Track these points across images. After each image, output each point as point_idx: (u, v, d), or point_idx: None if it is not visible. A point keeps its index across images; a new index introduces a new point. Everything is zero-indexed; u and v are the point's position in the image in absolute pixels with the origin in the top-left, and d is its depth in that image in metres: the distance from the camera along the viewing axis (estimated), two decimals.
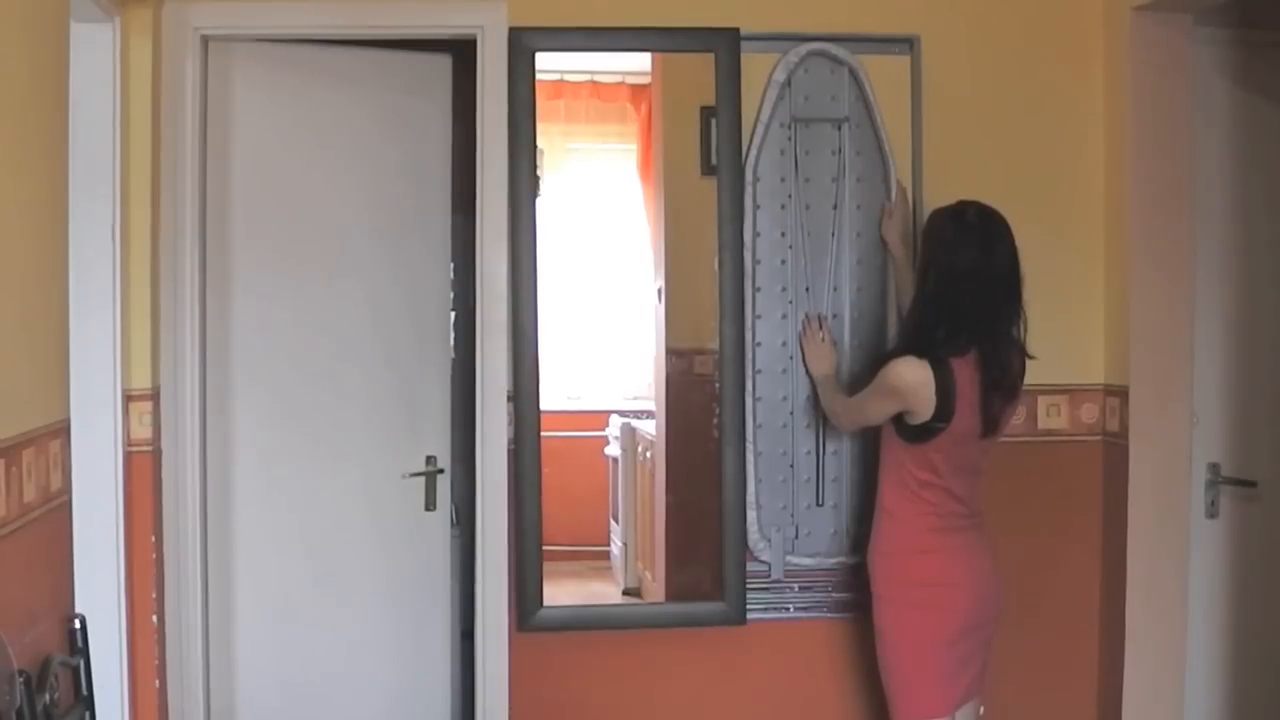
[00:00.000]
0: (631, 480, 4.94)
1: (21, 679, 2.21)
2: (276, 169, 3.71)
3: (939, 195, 3.38)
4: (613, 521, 5.07)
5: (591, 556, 4.98)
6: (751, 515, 3.59)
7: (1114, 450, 3.59)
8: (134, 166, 3.26)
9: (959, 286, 3.05)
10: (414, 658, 3.89)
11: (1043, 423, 3.67)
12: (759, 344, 3.60)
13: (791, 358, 3.61)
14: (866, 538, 3.30)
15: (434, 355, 3.94)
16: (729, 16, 3.56)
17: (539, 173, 3.66)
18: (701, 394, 3.79)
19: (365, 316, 3.81)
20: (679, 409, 4.21)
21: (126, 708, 3.19)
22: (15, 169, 2.40)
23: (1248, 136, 3.67)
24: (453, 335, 4.17)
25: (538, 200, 3.58)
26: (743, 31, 3.56)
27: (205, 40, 3.52)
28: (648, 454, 4.73)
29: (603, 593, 4.81)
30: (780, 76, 3.59)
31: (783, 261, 3.61)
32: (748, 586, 3.59)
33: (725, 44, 3.55)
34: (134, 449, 3.28)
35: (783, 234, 3.61)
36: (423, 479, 3.87)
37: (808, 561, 3.63)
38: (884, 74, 3.62)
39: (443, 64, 3.89)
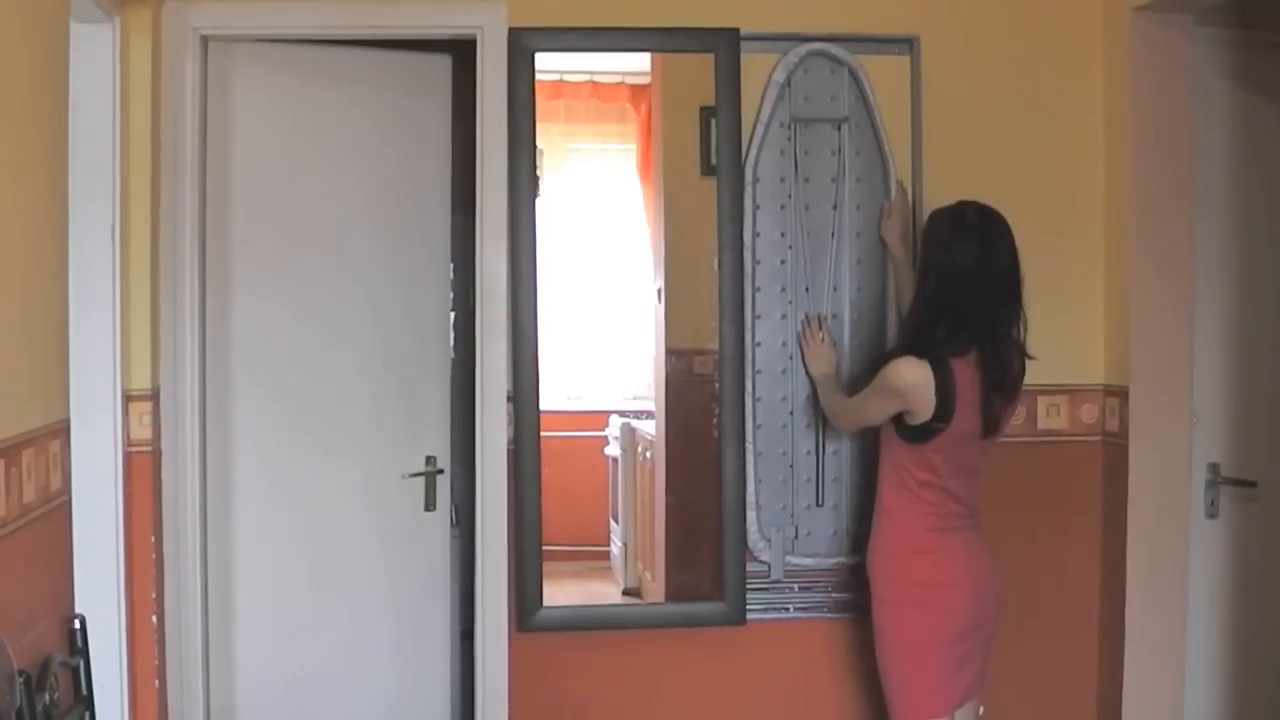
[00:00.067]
0: (631, 480, 4.94)
1: (21, 679, 2.21)
2: (276, 169, 3.71)
3: (939, 195, 3.38)
4: (612, 522, 5.07)
5: (591, 556, 4.98)
6: (751, 515, 3.59)
7: (1114, 450, 3.59)
8: (134, 166, 3.26)
9: (959, 286, 3.05)
10: (414, 658, 3.89)
11: (1043, 423, 3.67)
12: (759, 344, 3.60)
13: (791, 358, 3.61)
14: (866, 538, 3.30)
15: (434, 355, 3.94)
16: (729, 16, 3.56)
17: (539, 173, 3.66)
18: (701, 394, 3.79)
19: (365, 316, 3.81)
20: (679, 409, 4.21)
21: (126, 708, 3.19)
22: (15, 169, 2.40)
23: (1248, 136, 3.67)
24: (453, 335, 4.17)
25: (537, 200, 3.58)
26: (743, 31, 3.56)
27: (205, 40, 3.52)
28: (647, 454, 4.73)
29: (602, 593, 4.80)
30: (780, 76, 3.59)
31: (782, 262, 3.61)
32: (748, 587, 3.59)
33: (725, 44, 3.55)
34: (134, 449, 3.28)
35: (782, 234, 3.61)
36: (422, 479, 3.87)
37: (807, 562, 3.63)
38: (884, 74, 3.62)
39: (443, 64, 3.89)
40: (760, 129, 3.58)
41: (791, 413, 3.62)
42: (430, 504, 3.89)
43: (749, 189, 3.59)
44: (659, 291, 4.25)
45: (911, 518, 3.14)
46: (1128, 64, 3.51)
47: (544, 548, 3.57)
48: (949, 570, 3.13)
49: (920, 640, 3.14)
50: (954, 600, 3.12)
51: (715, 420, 3.62)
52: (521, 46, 3.53)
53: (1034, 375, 3.22)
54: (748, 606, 3.59)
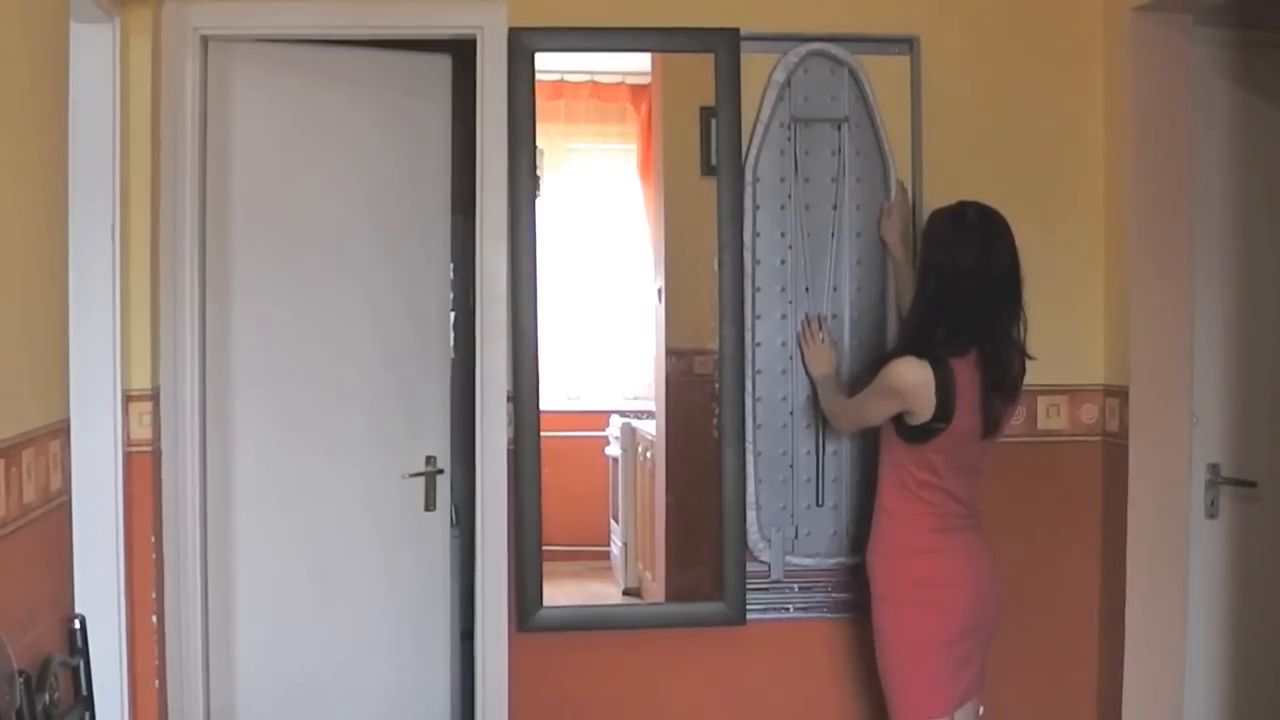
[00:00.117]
0: (631, 480, 4.94)
1: (21, 679, 2.21)
2: (276, 169, 3.71)
3: (939, 195, 3.38)
4: (613, 521, 5.07)
5: (591, 557, 4.98)
6: (751, 515, 3.59)
7: (1114, 450, 3.59)
8: (134, 166, 3.26)
9: (959, 286, 3.05)
10: (414, 658, 3.89)
11: (1042, 423, 3.67)
12: (759, 344, 3.60)
13: (791, 358, 3.61)
14: (866, 538, 3.30)
15: (434, 355, 3.94)
16: (729, 17, 3.56)
17: (539, 173, 3.66)
18: (701, 394, 3.79)
19: (365, 316, 3.81)
20: (679, 409, 4.21)
21: (126, 708, 3.19)
22: (15, 169, 2.40)
23: (1248, 136, 3.67)
24: (453, 335, 4.17)
25: (537, 200, 3.58)
26: (743, 32, 3.56)
27: (205, 40, 3.52)
28: (648, 454, 4.73)
29: (602, 593, 4.80)
30: (780, 77, 3.59)
31: (782, 262, 3.62)
32: (747, 587, 3.59)
33: (725, 44, 3.55)
34: (134, 449, 3.28)
35: (782, 234, 3.61)
36: (422, 479, 3.87)
37: (807, 562, 3.63)
38: (884, 74, 3.62)
39: (442, 64, 3.89)
40: (760, 129, 3.58)
41: (791, 413, 3.62)
42: (430, 504, 3.89)
43: (749, 189, 3.59)
44: (659, 291, 4.25)
45: (911, 518, 3.14)
46: (1128, 64, 3.51)
47: (544, 548, 3.57)
48: (949, 570, 3.13)
49: (920, 640, 3.14)
50: (954, 600, 3.12)
51: (715, 420, 3.62)
52: (521, 46, 3.53)
53: (1034, 375, 3.22)
54: (748, 606, 3.59)
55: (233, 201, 3.63)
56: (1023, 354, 3.13)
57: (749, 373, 3.59)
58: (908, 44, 3.63)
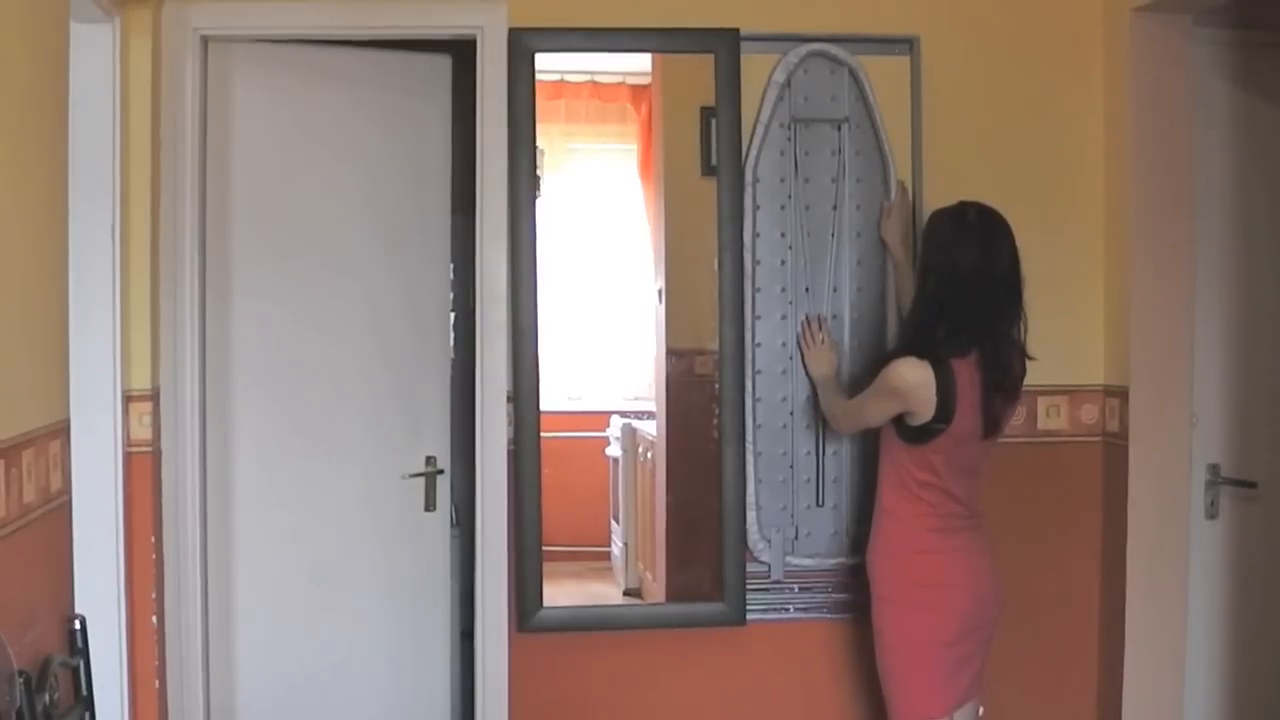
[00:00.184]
0: (632, 481, 4.94)
1: (21, 679, 2.21)
2: (276, 169, 3.71)
3: (939, 195, 3.39)
4: (613, 522, 5.07)
5: (592, 557, 4.98)
6: (751, 516, 3.59)
7: (1114, 451, 3.59)
8: (134, 166, 3.26)
9: (959, 287, 3.05)
10: (414, 658, 3.89)
11: (1043, 423, 3.67)
12: (759, 345, 3.60)
13: (791, 358, 3.61)
14: (866, 538, 3.30)
15: (433, 356, 3.94)
16: (729, 17, 3.56)
17: (539, 173, 3.66)
18: (701, 394, 3.79)
19: (365, 317, 3.81)
20: (679, 409, 4.21)
21: (126, 708, 3.19)
22: (15, 169, 2.40)
23: (1248, 136, 3.67)
24: (452, 335, 4.17)
25: (538, 200, 3.58)
26: (743, 32, 3.56)
27: (205, 40, 3.52)
28: (648, 454, 4.73)
29: (603, 593, 4.80)
30: (780, 77, 3.59)
31: (782, 262, 3.62)
32: (747, 587, 3.59)
33: (725, 44, 3.55)
34: (134, 449, 3.28)
35: (782, 234, 3.61)
36: (422, 479, 3.87)
37: (807, 562, 3.63)
38: (884, 74, 3.62)
39: (442, 64, 3.89)
40: (760, 129, 3.58)
41: (791, 413, 3.62)
42: (430, 504, 3.89)
43: (749, 189, 3.59)
44: (659, 292, 4.25)
45: (911, 518, 3.14)
46: (1128, 64, 3.51)
47: (544, 548, 3.57)
48: (949, 571, 3.13)
49: (920, 641, 3.14)
50: (954, 601, 3.12)
51: (715, 420, 3.62)
52: (521, 47, 3.53)
53: (1034, 375, 3.22)
54: (748, 607, 3.59)
55: (233, 201, 3.63)
56: (1023, 354, 3.13)
57: (749, 373, 3.59)
58: (908, 44, 3.63)
